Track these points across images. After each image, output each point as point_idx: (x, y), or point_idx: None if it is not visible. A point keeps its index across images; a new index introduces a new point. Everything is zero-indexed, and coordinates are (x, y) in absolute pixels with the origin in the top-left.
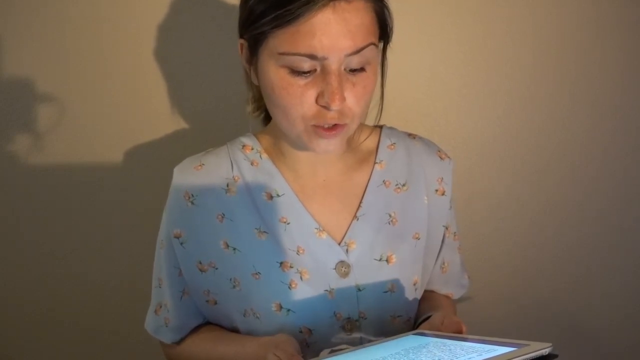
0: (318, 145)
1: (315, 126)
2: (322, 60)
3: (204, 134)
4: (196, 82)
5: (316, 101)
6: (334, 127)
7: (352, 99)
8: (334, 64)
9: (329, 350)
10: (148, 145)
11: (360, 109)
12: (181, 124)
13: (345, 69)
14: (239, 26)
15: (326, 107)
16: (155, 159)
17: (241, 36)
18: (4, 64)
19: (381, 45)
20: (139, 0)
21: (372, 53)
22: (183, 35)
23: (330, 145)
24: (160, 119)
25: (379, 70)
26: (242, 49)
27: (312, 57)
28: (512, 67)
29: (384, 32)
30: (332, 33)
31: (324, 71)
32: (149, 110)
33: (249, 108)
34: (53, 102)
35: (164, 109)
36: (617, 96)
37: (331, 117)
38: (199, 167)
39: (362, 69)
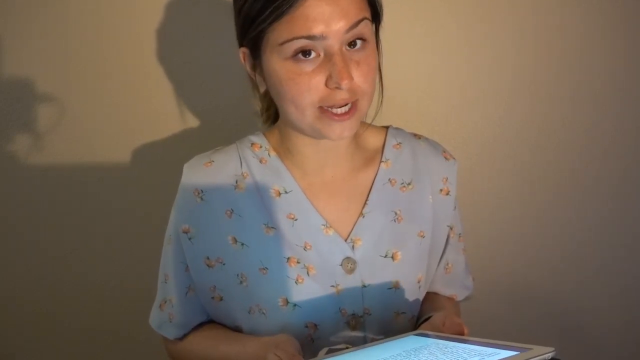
0: (333, 130)
1: (327, 111)
2: (321, 40)
3: (204, 134)
4: (196, 82)
5: (326, 85)
6: (346, 112)
7: (359, 77)
8: (335, 44)
9: (326, 349)
10: (148, 146)
11: (368, 86)
12: (181, 124)
13: (346, 49)
14: (237, 36)
15: (337, 87)
16: (155, 159)
17: (241, 44)
18: (4, 64)
19: (373, 27)
20: (139, 0)
21: (366, 29)
22: (183, 35)
23: (345, 129)
24: (160, 119)
25: (377, 52)
26: (244, 58)
27: (310, 37)
28: (513, 66)
29: (374, 11)
30: (325, 14)
31: (328, 54)
32: (149, 110)
33: (261, 119)
34: (53, 102)
35: (164, 109)
36: (618, 96)
37: (342, 97)
38: (209, 164)
39: (361, 46)
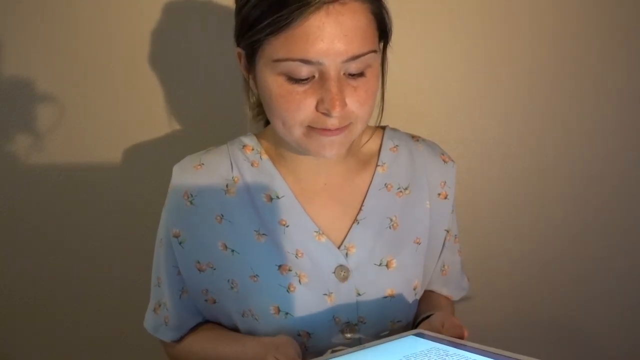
0: (321, 147)
1: (315, 128)
2: (317, 65)
3: (205, 134)
4: (197, 82)
5: (316, 108)
6: (337, 129)
7: (354, 104)
8: (331, 69)
9: (330, 350)
10: (148, 145)
11: (364, 112)
12: (182, 124)
13: (344, 74)
14: (235, 35)
15: (327, 114)
16: (155, 159)
17: (238, 45)
18: (4, 64)
19: (381, 45)
20: (139, 0)
21: (372, 59)
22: (183, 35)
23: (334, 147)
24: (160, 119)
25: (380, 72)
26: (240, 58)
27: (306, 61)
28: (514, 67)
29: (382, 32)
30: (325, 37)
31: (323, 77)
32: (149, 110)
33: (250, 114)
34: (53, 102)
35: (165, 109)
36: (618, 96)
37: (332, 123)
38: (199, 167)
39: (362, 74)
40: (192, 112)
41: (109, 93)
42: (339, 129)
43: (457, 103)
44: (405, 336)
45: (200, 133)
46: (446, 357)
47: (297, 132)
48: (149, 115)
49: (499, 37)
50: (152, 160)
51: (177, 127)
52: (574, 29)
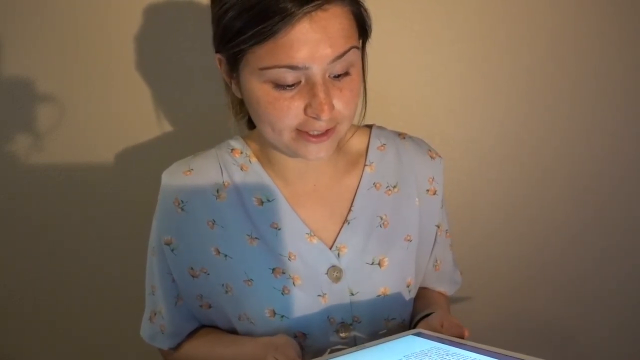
0: (309, 152)
1: (303, 133)
2: (304, 70)
3: (206, 134)
4: (198, 83)
5: (304, 112)
6: (324, 133)
7: (341, 104)
8: (317, 73)
9: (328, 350)
10: (148, 145)
11: (349, 112)
12: (182, 124)
13: (329, 76)
14: (214, 42)
15: (315, 118)
16: (156, 159)
17: (218, 51)
18: (4, 64)
19: (360, 41)
20: (138, 2)
21: (354, 56)
22: (183, 36)
23: (322, 150)
24: (160, 119)
25: (362, 69)
26: (220, 64)
27: (293, 67)
28: (513, 68)
29: (362, 29)
30: (311, 42)
31: (309, 82)
32: (149, 110)
33: (232, 113)
34: (53, 102)
35: (165, 109)
36: (617, 97)
37: (320, 126)
38: (189, 173)
39: (346, 73)
40: (193, 112)
41: (109, 93)
42: (326, 134)
43: (455, 104)
44: (404, 336)
45: (201, 133)
46: (446, 357)
47: (287, 136)
48: (149, 115)
49: (497, 37)
50: (153, 161)
51: (177, 127)
52: (573, 29)
